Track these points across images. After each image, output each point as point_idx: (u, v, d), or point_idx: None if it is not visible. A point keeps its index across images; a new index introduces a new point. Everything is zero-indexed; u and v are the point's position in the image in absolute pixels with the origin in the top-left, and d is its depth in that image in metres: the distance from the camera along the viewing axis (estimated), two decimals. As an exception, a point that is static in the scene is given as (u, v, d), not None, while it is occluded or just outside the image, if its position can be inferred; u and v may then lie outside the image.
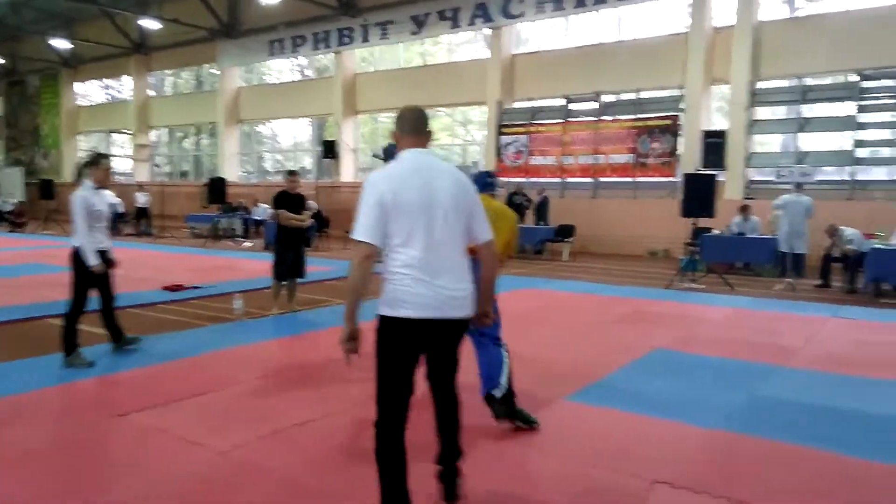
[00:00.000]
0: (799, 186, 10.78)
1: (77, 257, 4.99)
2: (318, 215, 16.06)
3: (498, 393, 3.74)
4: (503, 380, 3.74)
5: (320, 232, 15.44)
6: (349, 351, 2.59)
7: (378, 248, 2.55)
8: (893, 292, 9.25)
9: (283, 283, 7.21)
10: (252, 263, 11.64)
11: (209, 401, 4.30)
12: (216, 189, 16.79)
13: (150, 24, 21.17)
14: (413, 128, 2.74)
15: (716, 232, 11.61)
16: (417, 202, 2.57)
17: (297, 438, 3.66)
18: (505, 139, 16.55)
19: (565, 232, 13.87)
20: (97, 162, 5.12)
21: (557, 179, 15.87)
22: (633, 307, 8.01)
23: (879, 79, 12.38)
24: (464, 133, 19.97)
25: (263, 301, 7.46)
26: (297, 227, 7.11)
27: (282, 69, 22.89)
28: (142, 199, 18.71)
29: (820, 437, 3.75)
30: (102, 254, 5.08)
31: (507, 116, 16.66)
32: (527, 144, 16.28)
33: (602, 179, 15.38)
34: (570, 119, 15.79)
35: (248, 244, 16.16)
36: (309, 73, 22.26)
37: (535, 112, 16.45)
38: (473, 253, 2.80)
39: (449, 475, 2.84)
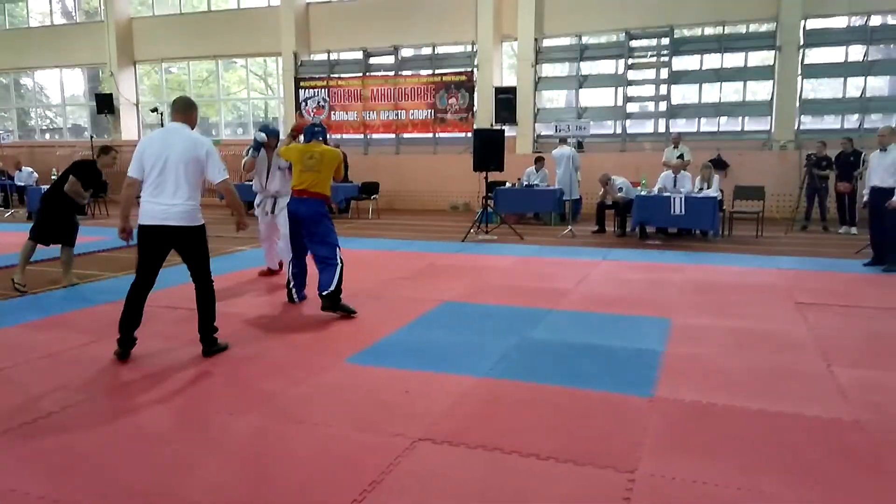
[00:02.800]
0: (562, 141, 11.69)
1: None
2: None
3: (324, 292, 5.33)
4: (332, 285, 5.33)
5: (96, 198, 13.77)
6: (123, 238, 4.27)
7: (138, 180, 4.18)
8: (656, 234, 10.38)
9: (38, 244, 6.61)
10: (7, 237, 10.10)
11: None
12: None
13: None
14: (175, 109, 4.33)
15: (508, 185, 12.19)
16: (156, 154, 4.15)
17: None
18: (304, 93, 15.90)
19: (370, 189, 13.76)
20: None
21: (361, 136, 15.65)
22: (429, 261, 8.14)
23: (642, 38, 13.62)
24: (263, 87, 18.87)
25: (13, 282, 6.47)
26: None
27: (44, 11, 19.79)
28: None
29: (575, 375, 4.00)
30: None
31: (304, 69, 15.98)
32: (327, 98, 15.79)
33: (404, 136, 15.42)
34: (369, 73, 15.53)
35: (7, 214, 14.04)
36: (79, 16, 19.51)
37: (334, 65, 15.97)
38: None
39: (205, 339, 4.37)
